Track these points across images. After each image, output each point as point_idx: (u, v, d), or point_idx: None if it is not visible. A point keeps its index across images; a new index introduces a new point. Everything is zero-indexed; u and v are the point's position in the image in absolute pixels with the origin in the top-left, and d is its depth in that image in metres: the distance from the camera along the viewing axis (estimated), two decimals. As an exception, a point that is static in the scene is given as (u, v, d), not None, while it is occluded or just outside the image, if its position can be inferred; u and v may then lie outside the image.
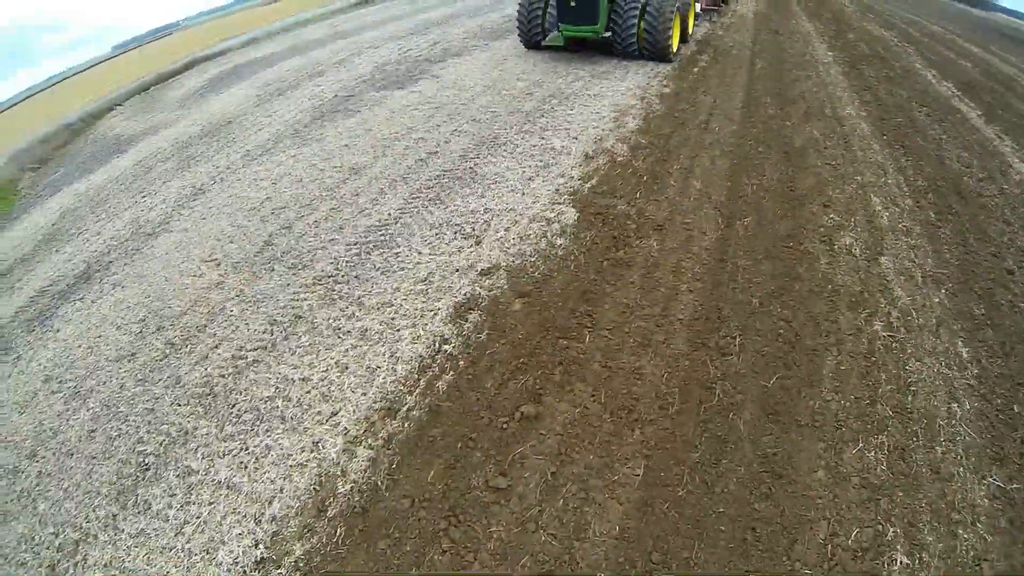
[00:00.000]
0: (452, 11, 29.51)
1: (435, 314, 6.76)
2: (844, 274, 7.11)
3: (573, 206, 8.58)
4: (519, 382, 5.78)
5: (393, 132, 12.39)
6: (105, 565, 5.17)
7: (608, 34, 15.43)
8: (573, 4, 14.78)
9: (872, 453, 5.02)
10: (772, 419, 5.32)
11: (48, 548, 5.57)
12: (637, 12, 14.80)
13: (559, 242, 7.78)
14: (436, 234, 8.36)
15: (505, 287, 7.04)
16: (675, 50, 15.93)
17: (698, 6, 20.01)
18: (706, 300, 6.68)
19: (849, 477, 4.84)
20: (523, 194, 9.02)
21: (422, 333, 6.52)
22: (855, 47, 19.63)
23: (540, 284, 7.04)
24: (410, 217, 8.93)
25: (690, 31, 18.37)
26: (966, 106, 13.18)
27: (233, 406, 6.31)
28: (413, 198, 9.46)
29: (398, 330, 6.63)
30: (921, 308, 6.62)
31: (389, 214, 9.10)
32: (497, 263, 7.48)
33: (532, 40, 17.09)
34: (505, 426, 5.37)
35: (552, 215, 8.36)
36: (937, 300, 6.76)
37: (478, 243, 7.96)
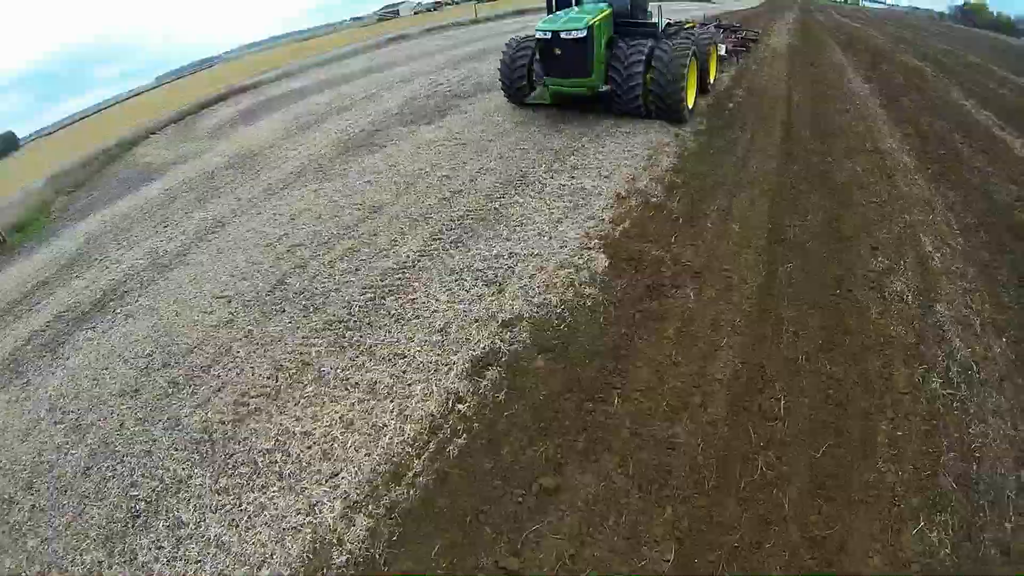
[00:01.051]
0: (484, 46, 29.55)
1: (450, 369, 6.24)
2: (897, 324, 6.49)
3: (604, 251, 8.02)
4: (538, 450, 5.21)
5: (417, 168, 12.11)
6: None
7: (607, 87, 12.70)
8: (559, 52, 12.14)
9: (934, 533, 4.39)
10: (821, 495, 4.70)
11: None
12: (642, 60, 12.22)
13: (588, 291, 7.21)
14: (456, 280, 7.87)
15: (528, 341, 6.48)
16: (691, 106, 13.38)
17: (722, 48, 18.06)
18: (748, 357, 6.07)
19: (909, 563, 4.23)
20: (550, 238, 8.47)
21: (435, 389, 6.00)
22: (892, 78, 19.16)
23: (566, 338, 6.46)
24: (429, 260, 8.47)
25: (711, 79, 15.84)
26: (1009, 135, 12.65)
27: (230, 456, 5.96)
28: (434, 239, 9.00)
29: (409, 385, 6.13)
30: (982, 360, 5.98)
31: (408, 256, 8.66)
32: (520, 313, 6.94)
33: (517, 95, 14.80)
34: (520, 499, 4.81)
35: (581, 261, 7.80)
36: (999, 350, 6.13)
37: (500, 291, 7.44)
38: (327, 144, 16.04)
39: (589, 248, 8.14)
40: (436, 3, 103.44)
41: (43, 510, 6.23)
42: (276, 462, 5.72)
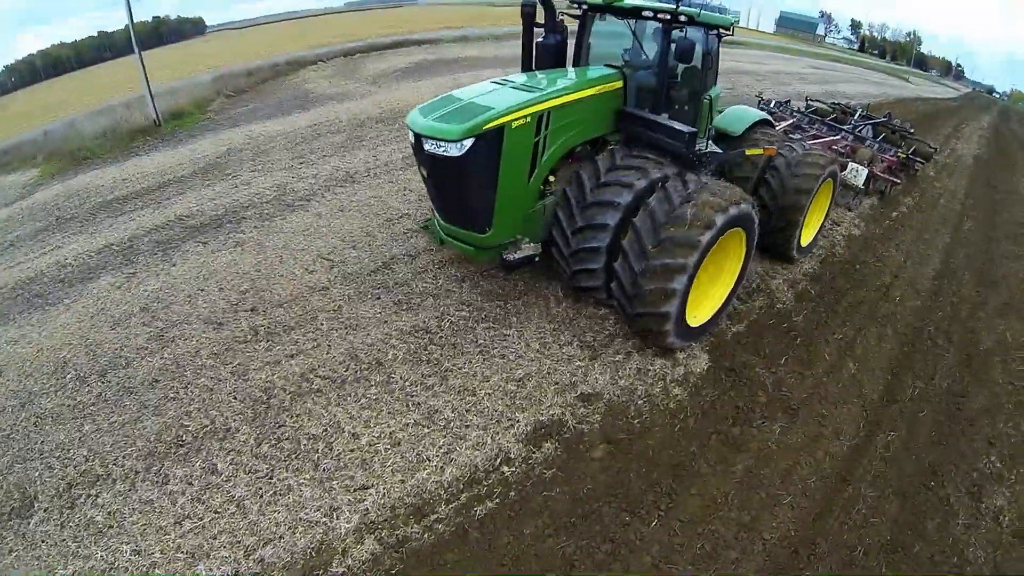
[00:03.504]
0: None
1: (512, 425, 6.16)
2: (980, 548, 5.71)
3: (707, 351, 7.68)
4: (559, 543, 5.07)
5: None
6: (109, 513, 5.47)
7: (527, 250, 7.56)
8: (425, 174, 7.24)
9: None
10: None
11: (73, 468, 6.01)
12: (618, 209, 7.08)
13: (675, 391, 6.91)
14: (555, 330, 7.74)
15: (597, 424, 6.28)
16: (708, 322, 7.70)
17: (859, 173, 13.42)
18: (805, 526, 5.61)
19: None
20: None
21: (488, 441, 5.94)
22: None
23: (635, 435, 6.22)
24: (537, 297, 8.38)
25: (802, 240, 10.02)
26: None
27: (279, 427, 6.24)
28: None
29: (467, 426, 6.10)
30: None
31: (520, 281, 8.58)
32: (601, 392, 6.72)
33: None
34: None
35: (681, 355, 7.48)
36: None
37: (593, 358, 7.25)
38: None
39: (697, 345, 7.80)
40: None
41: (106, 401, 6.80)
42: (317, 451, 5.92)
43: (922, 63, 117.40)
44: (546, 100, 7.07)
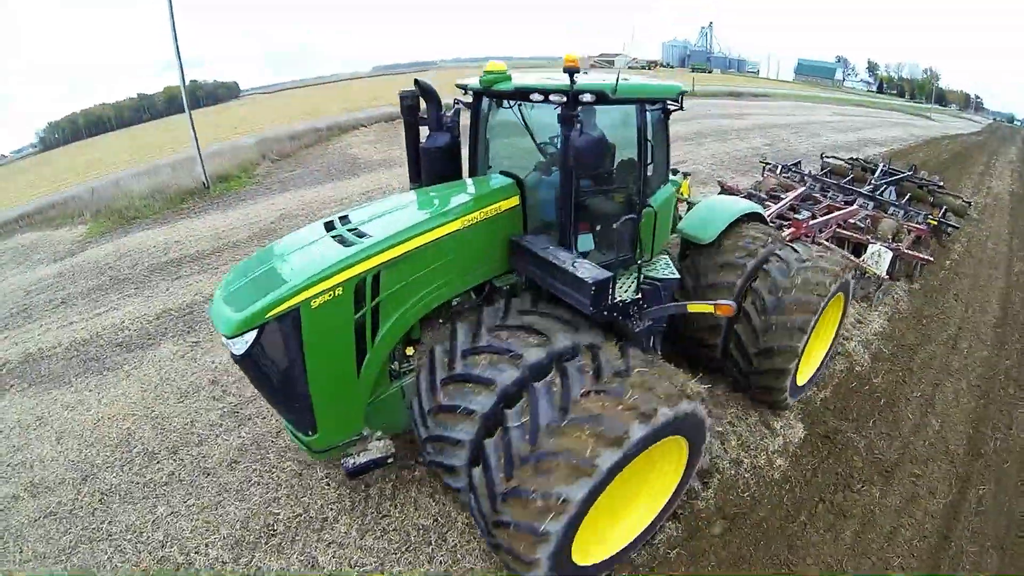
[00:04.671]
0: (699, 128, 29.48)
1: None
2: None
3: (802, 420, 8.07)
4: (699, 625, 5.41)
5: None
6: None
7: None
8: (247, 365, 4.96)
9: None
10: None
11: (148, 553, 5.97)
12: (485, 401, 5.03)
13: (778, 462, 7.29)
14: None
15: (712, 501, 6.65)
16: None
17: (882, 260, 11.74)
18: None
19: None
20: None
21: None
22: None
23: (748, 509, 6.59)
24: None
25: (798, 378, 7.95)
26: None
27: (383, 517, 6.22)
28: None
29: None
30: None
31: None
32: (713, 468, 7.07)
33: None
34: None
35: (779, 425, 7.89)
36: None
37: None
38: None
39: (790, 413, 8.19)
40: (651, 63, 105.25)
41: (181, 481, 6.82)
42: (430, 542, 5.90)
43: (941, 98, 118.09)
44: (374, 254, 5.03)
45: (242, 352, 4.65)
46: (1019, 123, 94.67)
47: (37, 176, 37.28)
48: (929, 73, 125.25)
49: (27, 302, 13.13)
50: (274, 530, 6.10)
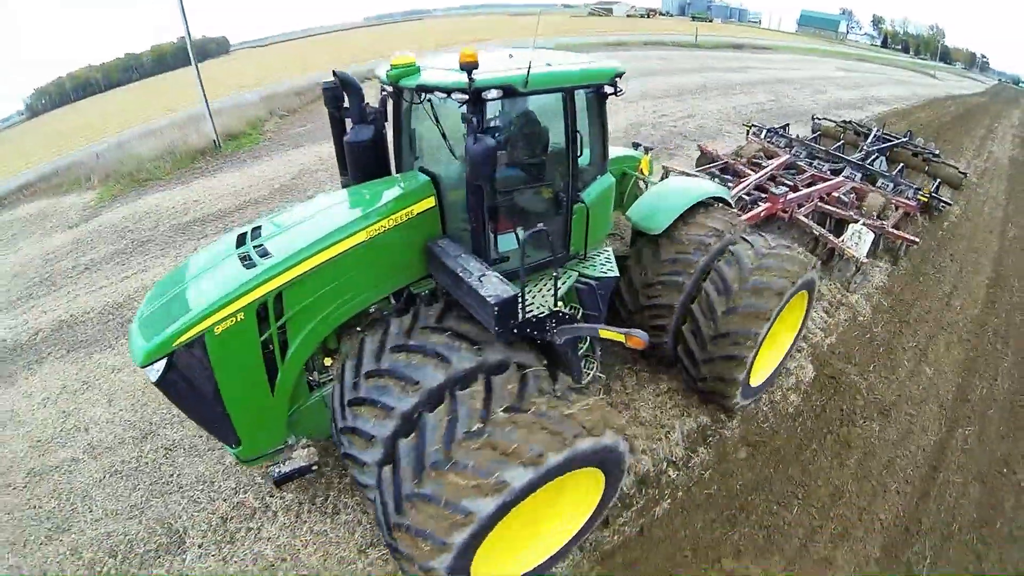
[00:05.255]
0: (703, 81, 29.65)
1: (670, 432, 7.45)
2: None
3: (812, 362, 9.01)
4: (726, 533, 6.40)
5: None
6: (278, 546, 5.99)
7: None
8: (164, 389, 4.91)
9: None
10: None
11: (224, 501, 6.45)
12: (382, 427, 4.88)
13: (792, 398, 8.26)
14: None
15: (737, 431, 7.63)
16: None
17: (860, 245, 11.24)
18: (909, 508, 6.95)
19: None
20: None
21: (654, 446, 7.23)
22: None
23: (767, 438, 7.58)
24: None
25: (757, 380, 7.75)
26: None
27: None
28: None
29: (635, 438, 7.31)
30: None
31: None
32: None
33: None
34: (704, 571, 5.98)
35: (792, 365, 8.80)
36: None
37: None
38: None
39: (800, 354, 9.11)
40: (649, 11, 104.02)
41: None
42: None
43: (946, 56, 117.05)
44: (273, 276, 4.93)
45: (156, 379, 4.70)
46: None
47: (30, 143, 36.35)
48: (935, 30, 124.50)
49: (48, 270, 13.15)
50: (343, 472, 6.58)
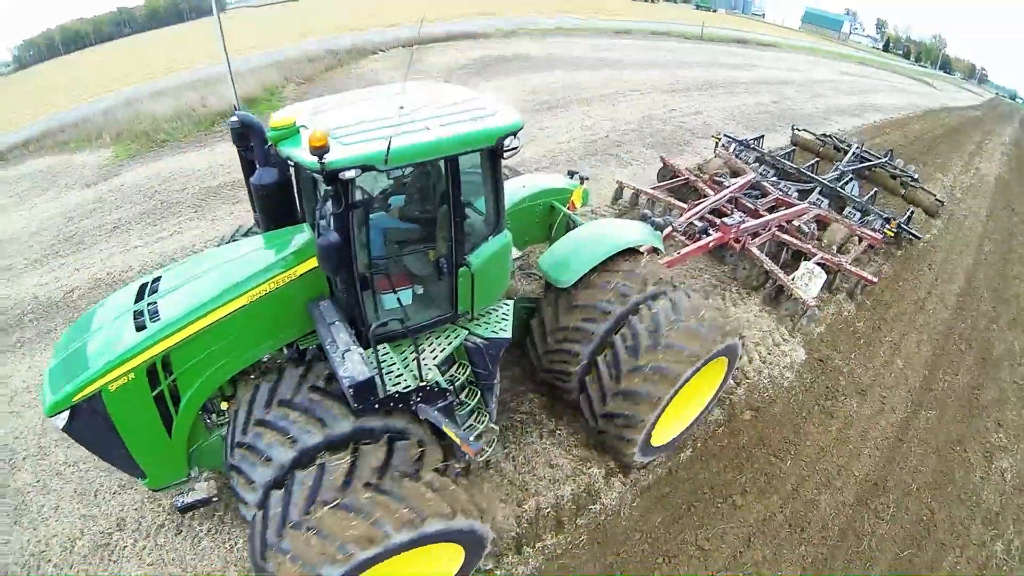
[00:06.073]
0: (708, 78, 30.97)
1: None
2: (990, 492, 8.69)
3: (803, 347, 10.71)
4: (735, 476, 8.09)
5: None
6: None
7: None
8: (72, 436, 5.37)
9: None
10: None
11: None
12: (253, 496, 5.33)
13: (787, 375, 9.96)
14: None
15: (743, 397, 9.30)
16: None
17: (809, 287, 11.21)
18: (879, 468, 8.64)
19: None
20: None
21: None
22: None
23: (766, 405, 9.27)
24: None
25: (660, 439, 7.64)
26: None
27: None
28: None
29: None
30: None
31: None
32: (743, 372, 9.70)
33: None
34: (719, 504, 7.69)
35: (787, 348, 10.52)
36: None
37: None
38: (572, 140, 18.64)
39: (795, 340, 10.82)
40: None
41: None
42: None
43: (947, 66, 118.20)
44: (161, 339, 5.19)
45: (63, 427, 5.12)
46: (1022, 101, 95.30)
47: (24, 97, 35.06)
48: (937, 39, 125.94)
49: (73, 229, 13.41)
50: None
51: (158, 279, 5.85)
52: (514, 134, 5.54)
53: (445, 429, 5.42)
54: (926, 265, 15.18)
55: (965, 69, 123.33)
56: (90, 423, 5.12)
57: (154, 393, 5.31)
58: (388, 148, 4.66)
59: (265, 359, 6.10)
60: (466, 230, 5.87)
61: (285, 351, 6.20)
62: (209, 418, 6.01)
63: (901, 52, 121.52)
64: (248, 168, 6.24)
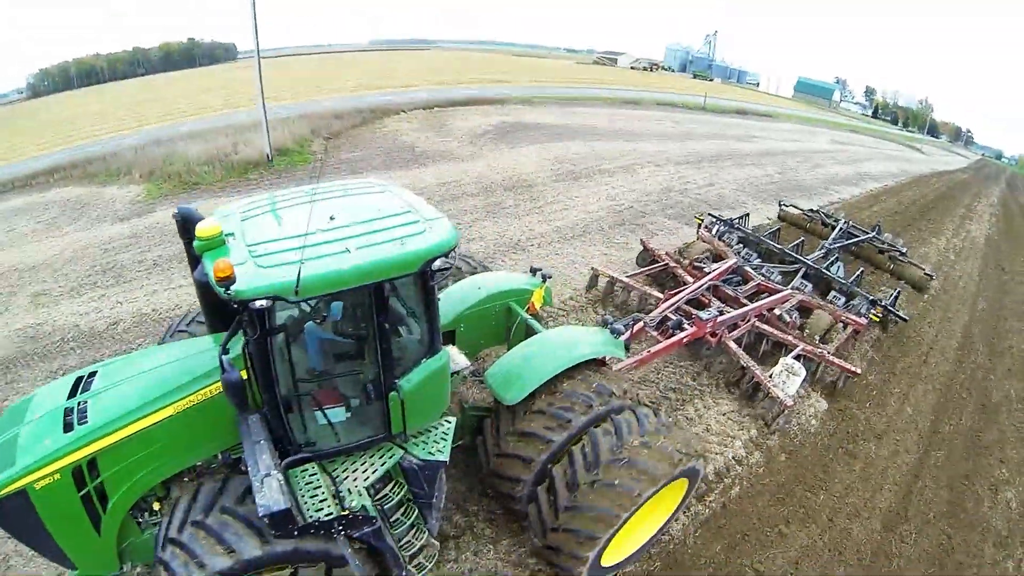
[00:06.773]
0: (717, 151, 32.71)
1: (734, 439, 10.46)
2: (998, 519, 9.93)
3: (825, 398, 12.11)
4: (779, 509, 9.38)
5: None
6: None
7: None
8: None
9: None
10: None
11: None
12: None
13: (812, 422, 11.35)
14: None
15: (776, 443, 10.69)
16: None
17: (787, 384, 11.02)
18: (900, 500, 9.96)
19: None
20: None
21: (725, 450, 10.20)
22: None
23: (798, 447, 10.65)
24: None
25: (612, 559, 7.24)
26: None
27: None
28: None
29: (706, 443, 10.27)
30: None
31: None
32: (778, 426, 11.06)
33: None
34: (767, 534, 8.98)
35: (811, 400, 11.90)
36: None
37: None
38: (601, 210, 20.18)
39: (815, 393, 12.18)
40: (652, 65, 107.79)
41: None
42: None
43: (934, 129, 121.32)
44: (87, 443, 5.06)
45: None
46: (1006, 160, 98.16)
47: (42, 125, 35.29)
48: (924, 104, 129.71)
49: (110, 261, 13.65)
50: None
51: (93, 374, 5.76)
52: (445, 255, 5.28)
53: None
54: (926, 324, 16.72)
55: (951, 132, 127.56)
56: (18, 516, 4.98)
57: (81, 494, 5.10)
58: (299, 278, 4.46)
59: (199, 464, 5.85)
60: (397, 353, 5.62)
61: (220, 456, 5.92)
62: (141, 516, 5.77)
63: (889, 118, 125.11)
64: (193, 262, 5.69)
